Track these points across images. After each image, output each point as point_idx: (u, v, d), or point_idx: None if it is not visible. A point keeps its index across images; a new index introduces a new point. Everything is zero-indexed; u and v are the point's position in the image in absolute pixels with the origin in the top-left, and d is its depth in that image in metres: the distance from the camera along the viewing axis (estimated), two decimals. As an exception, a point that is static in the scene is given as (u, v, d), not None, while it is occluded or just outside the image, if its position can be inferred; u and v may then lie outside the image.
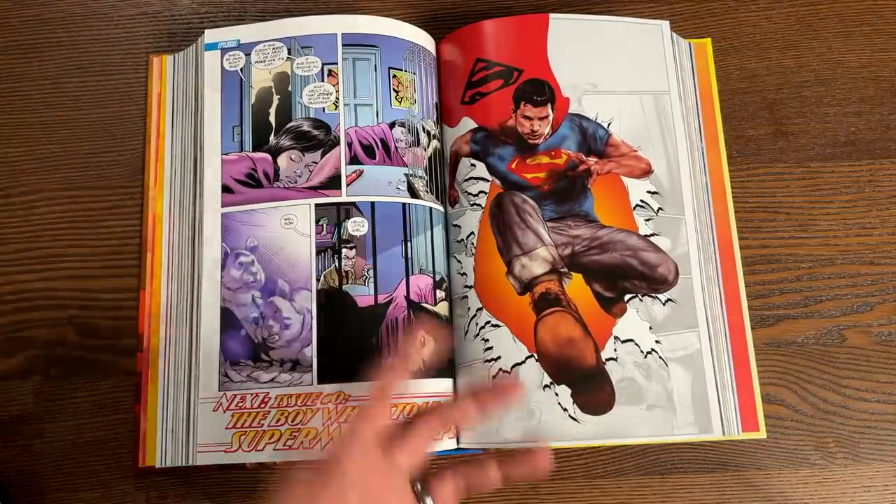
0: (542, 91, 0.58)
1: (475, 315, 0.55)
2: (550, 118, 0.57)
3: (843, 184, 0.60)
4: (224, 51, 0.58)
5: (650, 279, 0.55)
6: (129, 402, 0.55)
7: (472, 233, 0.56)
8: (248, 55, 0.57)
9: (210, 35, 0.58)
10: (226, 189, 0.55)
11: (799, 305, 0.58)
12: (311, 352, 0.52)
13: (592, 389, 0.52)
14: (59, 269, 0.58)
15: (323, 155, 0.55)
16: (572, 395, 0.52)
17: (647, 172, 0.57)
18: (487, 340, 0.54)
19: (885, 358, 0.57)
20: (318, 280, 0.53)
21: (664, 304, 0.54)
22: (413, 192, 0.55)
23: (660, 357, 0.53)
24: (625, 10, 0.64)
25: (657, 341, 0.53)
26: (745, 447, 0.55)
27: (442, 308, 0.55)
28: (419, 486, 0.43)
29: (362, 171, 0.55)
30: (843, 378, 0.57)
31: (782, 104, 0.62)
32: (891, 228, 0.59)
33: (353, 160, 0.55)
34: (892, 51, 0.63)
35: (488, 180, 0.57)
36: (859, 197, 0.60)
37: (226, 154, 0.56)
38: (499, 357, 0.53)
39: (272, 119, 0.56)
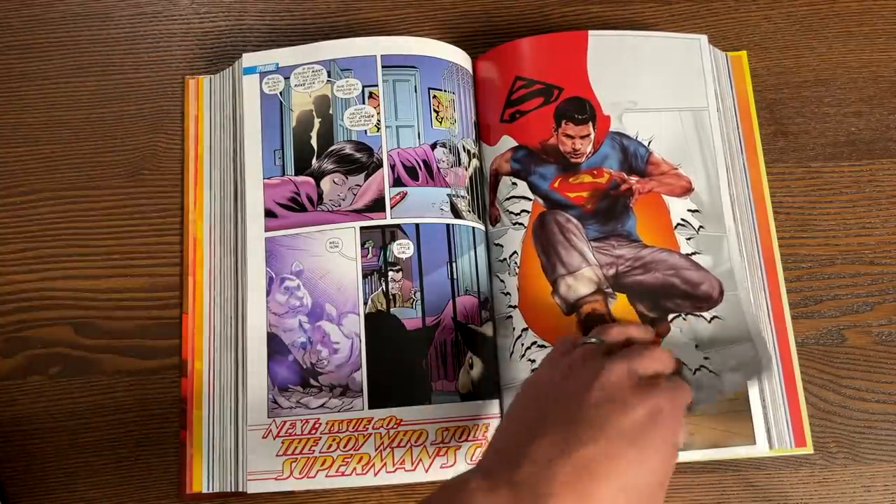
0: (583, 109, 0.57)
1: (520, 336, 0.54)
2: (592, 137, 0.57)
3: (843, 184, 0.60)
4: (263, 74, 0.57)
5: (693, 297, 0.55)
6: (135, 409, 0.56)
7: (515, 252, 0.56)
8: (287, 79, 0.57)
9: (248, 59, 0.58)
10: (269, 213, 0.55)
11: (799, 305, 0.58)
12: (361, 376, 0.52)
13: (642, 409, 0.52)
14: (60, 269, 0.58)
15: (366, 178, 0.55)
16: (622, 416, 0.52)
17: (687, 190, 0.57)
18: (534, 361, 0.54)
19: (885, 358, 0.57)
20: (365, 304, 0.53)
21: (709, 322, 0.54)
22: (456, 213, 0.55)
23: (710, 371, 0.53)
24: (621, 10, 0.64)
25: (706, 357, 0.53)
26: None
27: (487, 329, 0.55)
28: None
29: (406, 193, 0.54)
30: (843, 378, 0.57)
31: (782, 104, 0.62)
32: (891, 228, 0.59)
33: (397, 182, 0.54)
34: (892, 51, 0.63)
35: (530, 199, 0.56)
36: (859, 197, 0.60)
37: (268, 178, 0.56)
38: (546, 378, 0.53)
39: (314, 142, 0.56)
